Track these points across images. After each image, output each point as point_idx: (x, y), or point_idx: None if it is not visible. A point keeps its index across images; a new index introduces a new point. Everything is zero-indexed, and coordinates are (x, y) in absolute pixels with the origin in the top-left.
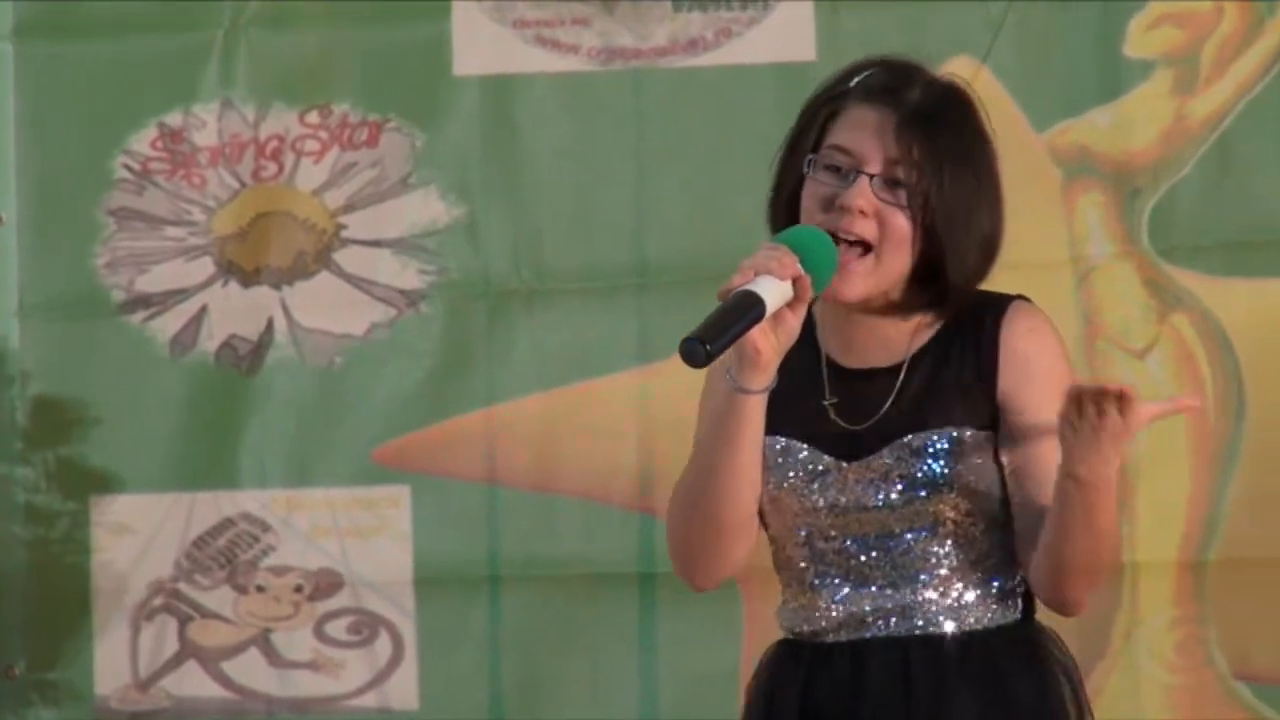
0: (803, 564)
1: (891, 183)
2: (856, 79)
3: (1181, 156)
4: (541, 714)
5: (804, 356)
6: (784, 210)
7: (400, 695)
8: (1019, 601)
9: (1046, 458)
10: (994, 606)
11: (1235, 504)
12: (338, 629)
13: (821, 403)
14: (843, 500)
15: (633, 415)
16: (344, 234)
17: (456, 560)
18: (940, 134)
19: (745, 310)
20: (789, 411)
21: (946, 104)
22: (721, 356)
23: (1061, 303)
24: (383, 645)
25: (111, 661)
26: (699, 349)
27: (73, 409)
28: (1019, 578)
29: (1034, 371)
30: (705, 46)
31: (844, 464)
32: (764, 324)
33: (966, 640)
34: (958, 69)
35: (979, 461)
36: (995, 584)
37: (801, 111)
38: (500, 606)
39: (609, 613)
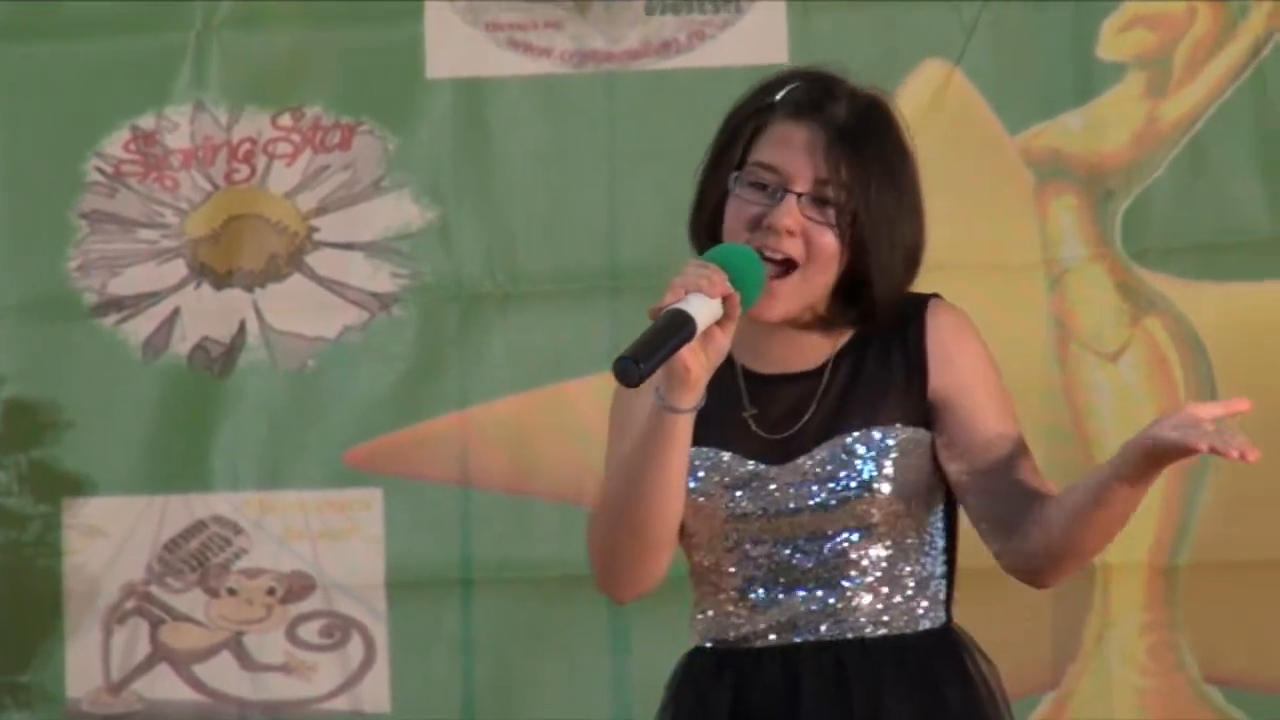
0: (731, 570)
1: (819, 201)
2: (780, 93)
3: (1154, 159)
4: (514, 716)
5: (719, 367)
6: (706, 226)
7: (372, 698)
8: (942, 606)
9: (1007, 450)
10: (920, 611)
11: (1207, 508)
12: (310, 632)
13: (741, 413)
14: (773, 505)
15: (606, 418)
16: (316, 237)
17: (429, 563)
18: (866, 150)
19: (677, 329)
20: (714, 422)
21: (871, 118)
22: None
23: (1034, 306)
24: (355, 648)
25: (83, 664)
26: (632, 368)
27: (45, 412)
28: (943, 581)
29: (966, 369)
30: (678, 49)
31: (774, 468)
32: (694, 343)
33: (898, 644)
34: (931, 71)
35: (913, 460)
36: (923, 588)
37: (724, 125)
38: (473, 609)
39: (582, 615)
